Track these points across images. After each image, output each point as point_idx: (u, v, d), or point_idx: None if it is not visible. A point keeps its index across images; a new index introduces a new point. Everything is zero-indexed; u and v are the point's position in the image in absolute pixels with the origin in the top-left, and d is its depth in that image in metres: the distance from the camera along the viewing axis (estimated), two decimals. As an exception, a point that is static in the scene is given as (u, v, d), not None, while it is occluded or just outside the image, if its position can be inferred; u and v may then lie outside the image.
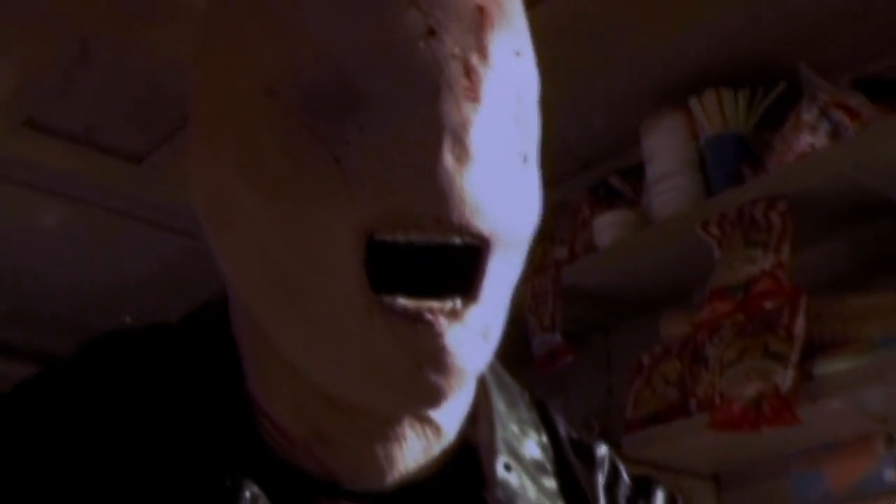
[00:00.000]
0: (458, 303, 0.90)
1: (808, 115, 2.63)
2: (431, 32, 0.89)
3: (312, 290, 0.90)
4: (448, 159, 0.86)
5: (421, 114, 0.87)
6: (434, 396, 0.90)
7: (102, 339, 1.07)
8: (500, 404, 1.08)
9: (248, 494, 0.92)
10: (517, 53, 0.94)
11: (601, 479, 1.12)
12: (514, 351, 1.07)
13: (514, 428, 1.08)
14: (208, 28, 1.00)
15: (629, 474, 1.16)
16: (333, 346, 0.91)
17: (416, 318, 0.89)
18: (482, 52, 0.90)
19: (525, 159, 0.95)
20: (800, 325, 2.48)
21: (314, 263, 0.89)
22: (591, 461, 1.13)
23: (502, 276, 0.94)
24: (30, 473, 0.94)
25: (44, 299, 4.05)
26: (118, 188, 3.44)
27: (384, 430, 0.97)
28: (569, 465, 1.10)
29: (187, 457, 0.94)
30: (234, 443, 0.96)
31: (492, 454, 1.03)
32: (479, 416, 1.06)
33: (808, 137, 2.61)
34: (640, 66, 2.95)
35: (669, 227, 2.90)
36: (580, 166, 3.35)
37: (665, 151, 2.98)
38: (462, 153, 0.87)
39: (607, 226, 3.07)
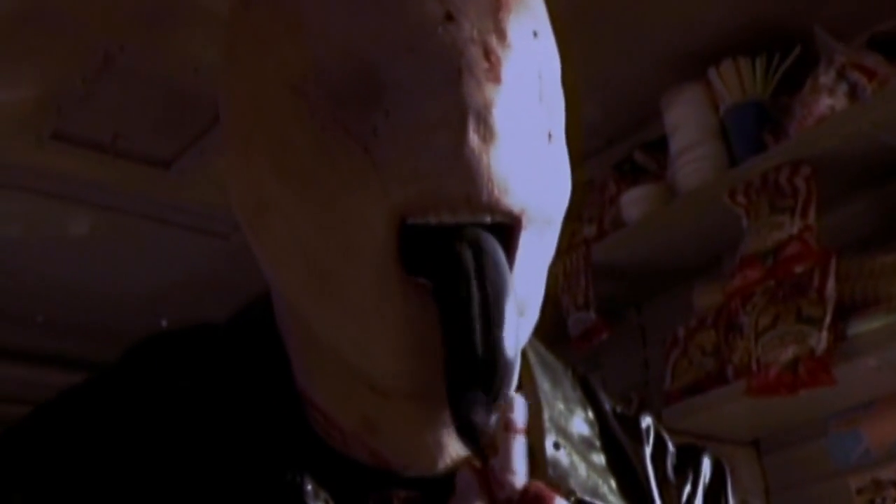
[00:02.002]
0: None
1: (826, 77, 2.64)
2: (449, 18, 0.91)
3: (348, 277, 0.92)
4: (474, 139, 0.88)
5: (444, 97, 0.88)
6: None
7: (149, 341, 1.08)
8: (544, 383, 1.09)
9: (309, 488, 0.93)
10: (535, 33, 0.96)
11: (648, 451, 1.13)
12: (550, 332, 1.09)
13: (561, 406, 1.09)
14: (233, 32, 1.02)
15: (674, 444, 1.17)
16: (372, 329, 0.92)
17: None
18: (500, 35, 0.92)
19: (550, 137, 0.96)
20: (830, 286, 2.49)
21: (349, 251, 0.91)
22: (637, 434, 1.14)
23: (535, 252, 0.96)
24: (90, 478, 0.95)
25: (79, 308, 4.07)
26: (148, 194, 3.46)
27: (431, 416, 0.97)
28: (616, 440, 1.11)
29: (245, 454, 0.96)
30: (288, 437, 0.98)
31: (540, 433, 1.04)
32: (526, 396, 1.06)
33: (828, 100, 2.61)
34: (657, 40, 2.95)
35: (696, 198, 2.90)
36: (604, 143, 3.36)
37: (687, 123, 2.99)
38: (487, 133, 0.88)
39: (634, 201, 3.08)
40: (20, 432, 1.01)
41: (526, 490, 0.82)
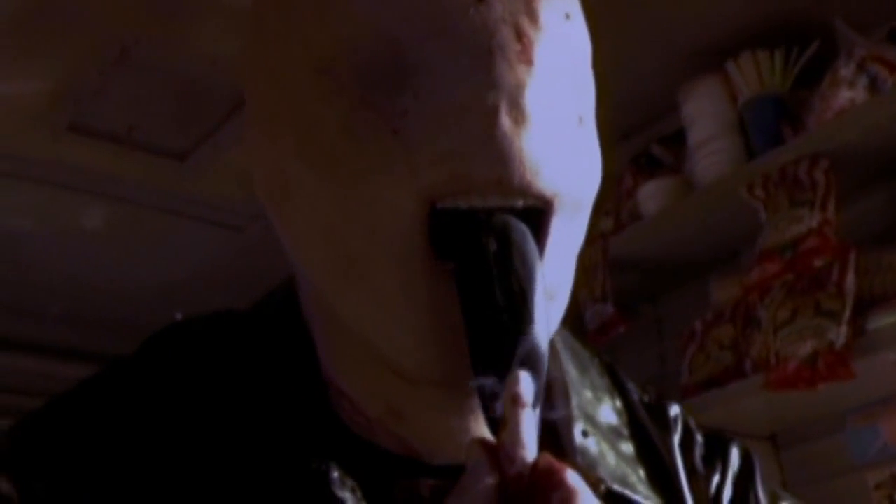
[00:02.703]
0: None
1: (846, 70, 2.62)
2: None
3: (375, 261, 0.91)
4: (505, 121, 0.86)
5: (475, 78, 0.87)
6: None
7: (171, 329, 1.07)
8: (572, 371, 1.08)
9: (335, 476, 0.92)
10: (567, 16, 0.95)
11: (676, 440, 1.11)
12: (567, 325, 1.08)
13: (588, 394, 1.08)
14: (258, 12, 1.01)
15: (702, 433, 1.15)
16: (398, 314, 0.91)
17: None
18: (532, 16, 0.91)
19: (581, 121, 0.95)
20: (850, 280, 2.47)
21: (376, 235, 0.90)
22: (664, 423, 1.12)
23: (566, 237, 0.95)
24: (113, 466, 0.93)
25: (93, 301, 4.08)
26: (163, 186, 3.47)
27: (458, 402, 0.96)
28: (644, 429, 1.10)
29: (270, 441, 0.94)
30: (314, 424, 0.96)
31: (568, 421, 1.03)
32: (553, 383, 1.05)
33: (847, 93, 2.60)
34: (675, 32, 2.94)
35: (714, 191, 2.89)
36: (621, 136, 3.34)
37: (705, 116, 2.97)
38: (519, 115, 0.87)
39: (651, 194, 3.07)
40: (42, 420, 0.99)
41: (536, 464, 0.81)
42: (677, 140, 3.14)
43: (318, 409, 0.98)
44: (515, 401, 0.82)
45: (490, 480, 0.80)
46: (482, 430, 0.94)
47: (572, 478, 0.79)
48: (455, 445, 0.97)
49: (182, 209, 3.60)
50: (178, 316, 1.11)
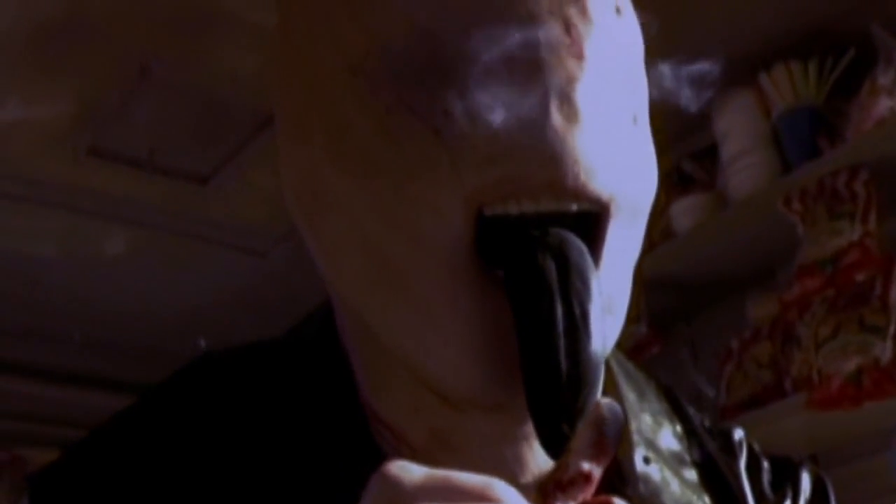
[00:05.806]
0: None
1: (885, 78, 2.58)
2: None
3: (418, 272, 0.84)
4: (557, 118, 0.81)
5: (523, 73, 0.81)
6: None
7: (204, 359, 1.02)
8: (629, 395, 1.02)
9: None
10: (618, 10, 0.89)
11: (742, 465, 1.05)
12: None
13: (648, 419, 1.01)
14: (286, 12, 0.95)
15: (768, 458, 1.09)
16: (444, 330, 0.84)
17: None
18: (581, 9, 0.85)
19: (636, 120, 0.90)
20: (894, 294, 2.43)
21: (418, 244, 0.84)
22: (730, 448, 1.06)
23: (623, 245, 0.88)
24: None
25: (118, 327, 4.05)
26: (185, 210, 3.44)
27: (510, 429, 0.90)
28: (708, 455, 1.03)
29: (309, 474, 0.89)
30: (354, 457, 0.90)
31: (629, 447, 0.96)
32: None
33: (887, 101, 2.55)
34: (706, 45, 2.89)
35: (749, 206, 2.84)
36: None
37: (738, 130, 2.93)
38: (571, 112, 0.81)
39: (684, 211, 3.02)
40: (78, 458, 0.96)
41: None
42: (709, 155, 3.09)
43: (358, 440, 0.92)
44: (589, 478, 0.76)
45: None
46: (535, 458, 0.90)
47: None
48: (508, 475, 0.90)
49: (205, 233, 3.57)
50: (202, 342, 1.06)
